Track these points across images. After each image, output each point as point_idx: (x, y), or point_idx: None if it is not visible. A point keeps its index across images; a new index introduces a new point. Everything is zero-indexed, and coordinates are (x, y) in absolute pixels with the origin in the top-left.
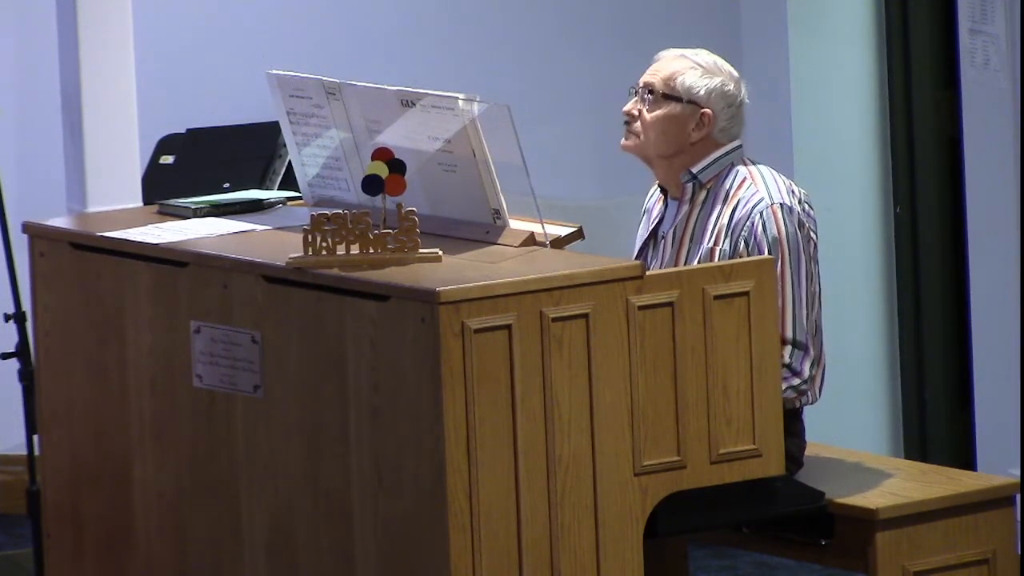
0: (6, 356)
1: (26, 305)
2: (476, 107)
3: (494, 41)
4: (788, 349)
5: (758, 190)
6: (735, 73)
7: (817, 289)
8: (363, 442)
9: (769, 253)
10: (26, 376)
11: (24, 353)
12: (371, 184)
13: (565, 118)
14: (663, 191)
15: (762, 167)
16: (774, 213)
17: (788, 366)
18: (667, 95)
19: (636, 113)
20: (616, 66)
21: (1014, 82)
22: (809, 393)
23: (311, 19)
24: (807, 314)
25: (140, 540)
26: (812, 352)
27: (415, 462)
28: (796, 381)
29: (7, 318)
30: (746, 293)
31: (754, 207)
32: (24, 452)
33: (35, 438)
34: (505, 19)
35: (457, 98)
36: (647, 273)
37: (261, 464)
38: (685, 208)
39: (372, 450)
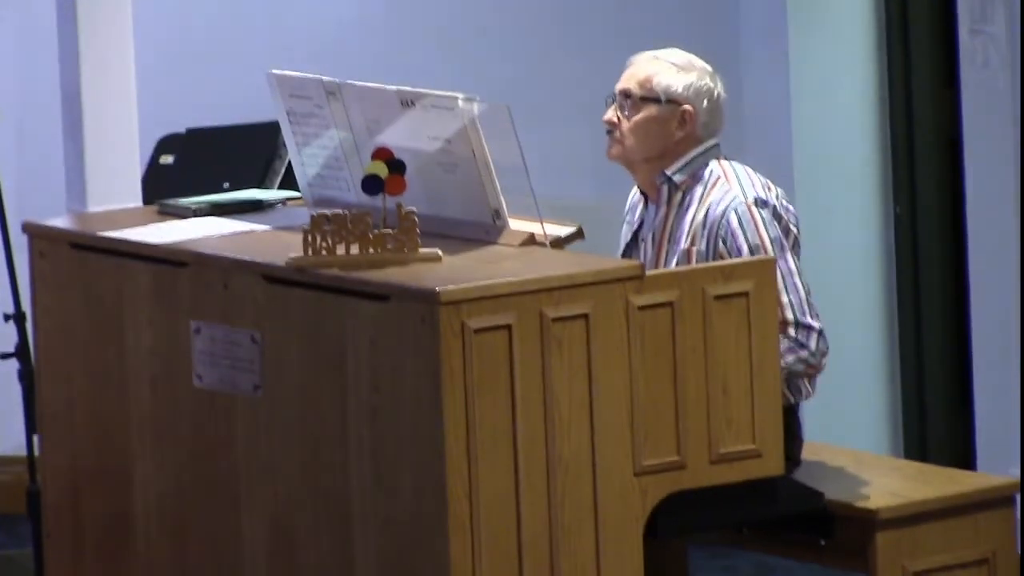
0: (6, 356)
1: (26, 305)
2: (476, 107)
3: (494, 41)
4: (791, 329)
5: (731, 188)
6: (709, 68)
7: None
8: (363, 442)
9: (750, 252)
10: (26, 376)
11: (24, 353)
12: (371, 184)
13: (565, 118)
14: (644, 194)
15: (735, 164)
16: (749, 209)
17: (795, 339)
18: (645, 98)
19: (616, 120)
20: (616, 66)
21: (1014, 82)
22: (816, 371)
23: (311, 19)
24: (802, 297)
25: (140, 540)
26: (816, 326)
27: (415, 462)
28: (805, 353)
29: (7, 318)
30: (746, 293)
31: (727, 206)
32: (24, 452)
33: (35, 438)
34: (505, 19)
35: (457, 98)
36: (647, 273)
37: (261, 464)
38: (662, 210)
39: (372, 450)
